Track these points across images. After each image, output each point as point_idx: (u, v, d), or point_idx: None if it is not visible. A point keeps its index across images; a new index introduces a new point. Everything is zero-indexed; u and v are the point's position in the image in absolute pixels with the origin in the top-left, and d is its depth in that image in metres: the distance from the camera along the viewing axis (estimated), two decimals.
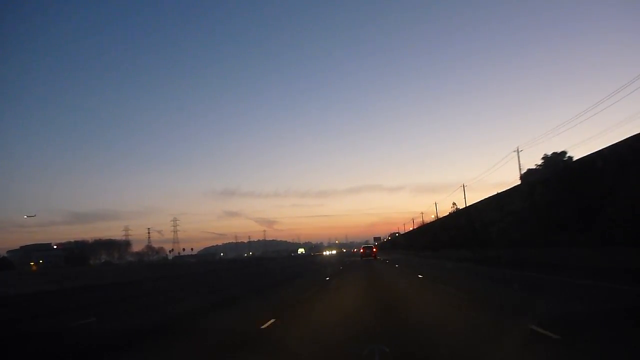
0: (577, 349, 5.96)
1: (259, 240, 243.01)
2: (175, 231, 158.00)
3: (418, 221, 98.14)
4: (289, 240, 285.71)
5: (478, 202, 39.95)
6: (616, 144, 17.13)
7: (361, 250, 65.20)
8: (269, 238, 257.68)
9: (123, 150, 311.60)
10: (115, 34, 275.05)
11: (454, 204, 74.82)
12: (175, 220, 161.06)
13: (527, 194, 26.55)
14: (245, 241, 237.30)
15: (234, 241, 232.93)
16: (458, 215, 51.22)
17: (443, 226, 54.45)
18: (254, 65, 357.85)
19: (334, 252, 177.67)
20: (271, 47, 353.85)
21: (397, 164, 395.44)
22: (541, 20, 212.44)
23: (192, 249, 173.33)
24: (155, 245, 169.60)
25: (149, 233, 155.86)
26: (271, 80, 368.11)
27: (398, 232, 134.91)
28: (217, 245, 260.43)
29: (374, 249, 65.64)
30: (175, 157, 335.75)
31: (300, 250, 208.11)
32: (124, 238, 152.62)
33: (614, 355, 5.63)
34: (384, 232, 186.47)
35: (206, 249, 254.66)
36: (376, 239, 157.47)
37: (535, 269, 19.26)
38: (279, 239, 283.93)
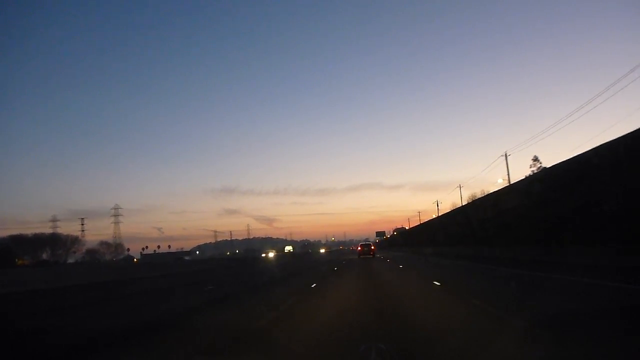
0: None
1: (254, 238, 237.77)
2: (116, 222, 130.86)
3: (424, 218, 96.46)
4: (282, 237, 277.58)
5: (477, 199, 40.17)
6: (612, 141, 17.27)
7: (359, 248, 64.48)
8: (258, 235, 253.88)
9: (122, 148, 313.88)
10: (115, 30, 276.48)
11: (535, 158, 57.81)
12: (116, 208, 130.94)
13: (524, 191, 26.80)
14: (241, 238, 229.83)
15: (229, 238, 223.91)
16: (456, 214, 51.49)
17: (442, 224, 54.56)
18: (254, 63, 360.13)
19: (323, 250, 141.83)
20: (271, 45, 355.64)
21: (396, 162, 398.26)
22: (539, 19, 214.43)
23: (169, 247, 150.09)
24: (155, 243, 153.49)
25: (82, 224, 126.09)
26: (272, 78, 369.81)
27: (404, 227, 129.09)
28: (209, 243, 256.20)
29: (373, 247, 64.87)
30: (174, 154, 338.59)
31: (288, 249, 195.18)
32: (51, 232, 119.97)
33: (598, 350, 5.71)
34: (384, 229, 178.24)
35: (198, 246, 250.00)
36: (380, 233, 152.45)
37: (528, 267, 19.57)
38: (274, 237, 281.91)
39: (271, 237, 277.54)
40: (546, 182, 23.79)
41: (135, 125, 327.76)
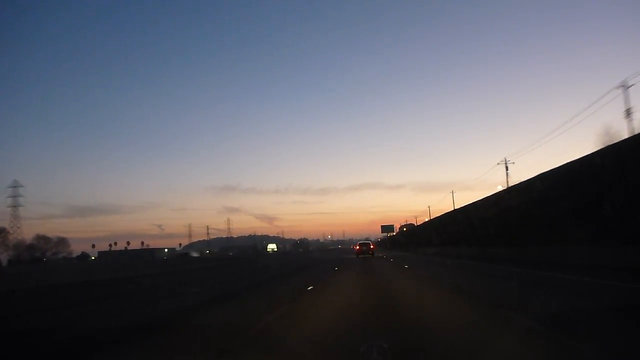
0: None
1: (253, 235, 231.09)
2: (14, 206, 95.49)
3: (430, 215, 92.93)
4: (276, 235, 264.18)
5: (479, 200, 40.45)
6: (616, 143, 17.86)
7: (357, 247, 64.60)
8: (256, 233, 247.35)
9: (123, 144, 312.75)
10: (115, 27, 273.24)
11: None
12: (15, 187, 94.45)
13: (526, 191, 27.07)
14: (236, 236, 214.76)
15: (224, 235, 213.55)
16: (457, 213, 51.65)
17: (443, 223, 54.68)
18: (256, 62, 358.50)
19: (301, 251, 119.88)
20: (272, 43, 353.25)
21: (398, 162, 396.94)
22: (541, 20, 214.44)
23: (142, 243, 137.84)
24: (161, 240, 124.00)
25: None
26: (273, 77, 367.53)
27: (414, 223, 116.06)
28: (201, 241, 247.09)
29: (372, 246, 64.96)
30: (176, 152, 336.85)
31: (271, 247, 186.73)
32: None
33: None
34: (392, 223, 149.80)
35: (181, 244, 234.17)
36: (386, 228, 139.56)
37: (524, 265, 20.39)
38: (272, 235, 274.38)
39: (268, 235, 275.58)
40: (548, 181, 24.08)
41: (136, 122, 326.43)
